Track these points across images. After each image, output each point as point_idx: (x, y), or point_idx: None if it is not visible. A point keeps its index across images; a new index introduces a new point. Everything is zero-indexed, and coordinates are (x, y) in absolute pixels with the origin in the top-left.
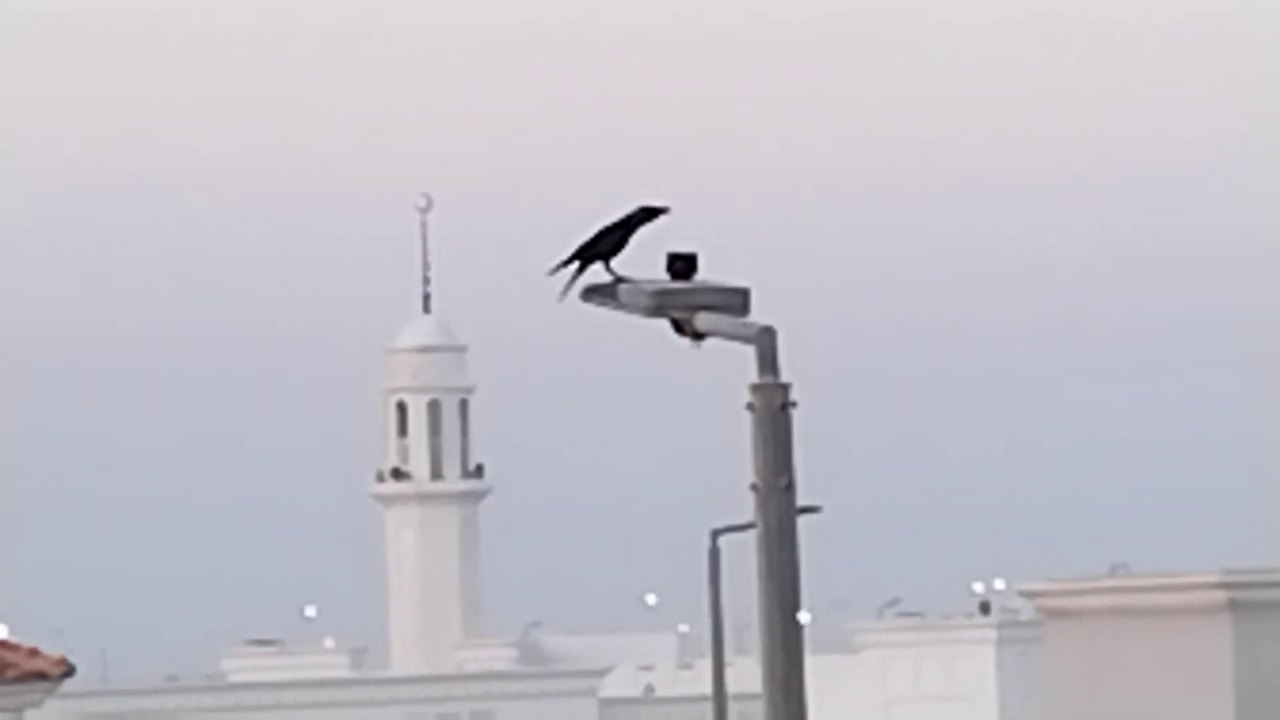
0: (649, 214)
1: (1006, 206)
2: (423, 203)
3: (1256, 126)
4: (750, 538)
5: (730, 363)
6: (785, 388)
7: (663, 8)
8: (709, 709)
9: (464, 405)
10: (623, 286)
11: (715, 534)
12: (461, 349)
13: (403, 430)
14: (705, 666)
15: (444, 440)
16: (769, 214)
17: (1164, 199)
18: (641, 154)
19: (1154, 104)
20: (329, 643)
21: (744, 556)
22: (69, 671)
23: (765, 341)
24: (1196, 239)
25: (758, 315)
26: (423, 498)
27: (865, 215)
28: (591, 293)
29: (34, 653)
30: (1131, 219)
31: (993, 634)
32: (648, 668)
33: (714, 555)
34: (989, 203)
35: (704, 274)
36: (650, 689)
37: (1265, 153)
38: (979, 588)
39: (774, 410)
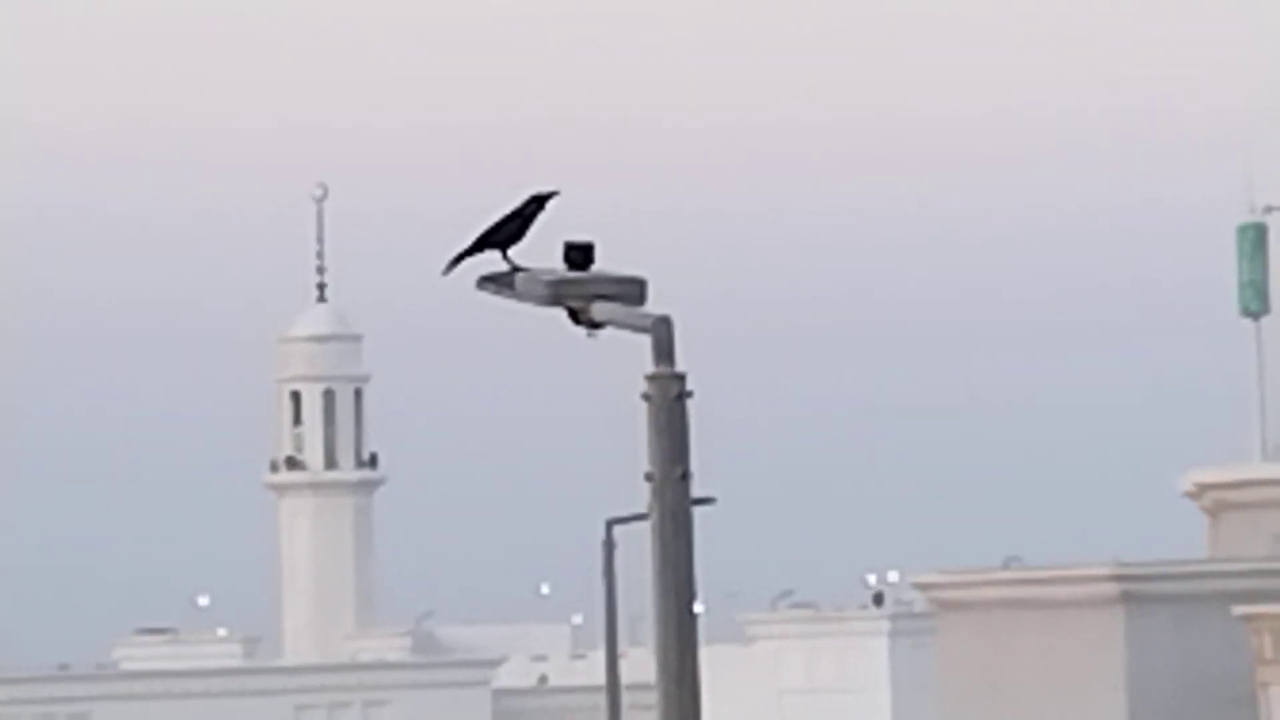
0: (540, 201)
1: (898, 184)
2: (318, 191)
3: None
4: (645, 528)
5: (627, 352)
6: (681, 378)
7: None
8: (603, 699)
9: (358, 394)
10: (519, 275)
11: (610, 524)
12: (356, 338)
13: (297, 419)
14: (599, 657)
15: (338, 429)
16: (666, 199)
17: (1065, 178)
18: (538, 138)
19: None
20: (221, 631)
21: (639, 547)
22: None
23: (661, 331)
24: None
25: (654, 305)
26: (317, 487)
27: (749, 197)
28: (488, 281)
29: None
30: (1030, 195)
31: (886, 625)
32: (541, 658)
33: (608, 546)
34: (880, 181)
35: (600, 265)
36: (544, 679)
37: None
38: (872, 579)
39: (669, 400)
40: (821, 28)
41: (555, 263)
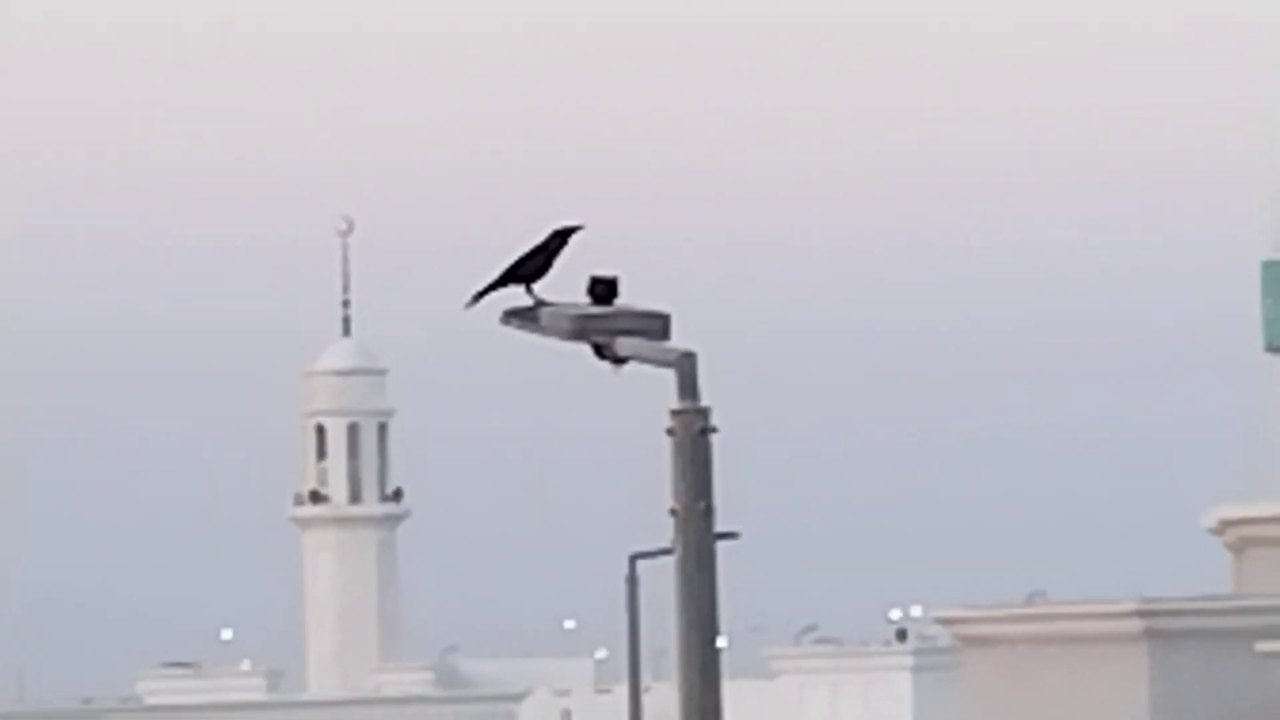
0: (564, 235)
1: (923, 220)
2: (343, 225)
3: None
4: (669, 563)
5: (651, 387)
6: (705, 412)
7: (582, 24)
8: None
9: (383, 429)
10: (544, 310)
11: (634, 559)
12: (381, 372)
13: (321, 453)
14: (623, 691)
15: (362, 464)
16: (691, 232)
17: (1093, 217)
18: (566, 173)
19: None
20: (245, 665)
21: (662, 581)
22: None
23: (685, 366)
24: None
25: (679, 339)
26: (341, 521)
27: (776, 230)
28: (512, 316)
29: None
30: (1056, 231)
31: (909, 661)
32: (565, 692)
33: (632, 580)
34: (905, 216)
35: (625, 298)
36: (567, 714)
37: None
38: (896, 614)
39: (693, 435)
40: (847, 61)
41: (580, 297)
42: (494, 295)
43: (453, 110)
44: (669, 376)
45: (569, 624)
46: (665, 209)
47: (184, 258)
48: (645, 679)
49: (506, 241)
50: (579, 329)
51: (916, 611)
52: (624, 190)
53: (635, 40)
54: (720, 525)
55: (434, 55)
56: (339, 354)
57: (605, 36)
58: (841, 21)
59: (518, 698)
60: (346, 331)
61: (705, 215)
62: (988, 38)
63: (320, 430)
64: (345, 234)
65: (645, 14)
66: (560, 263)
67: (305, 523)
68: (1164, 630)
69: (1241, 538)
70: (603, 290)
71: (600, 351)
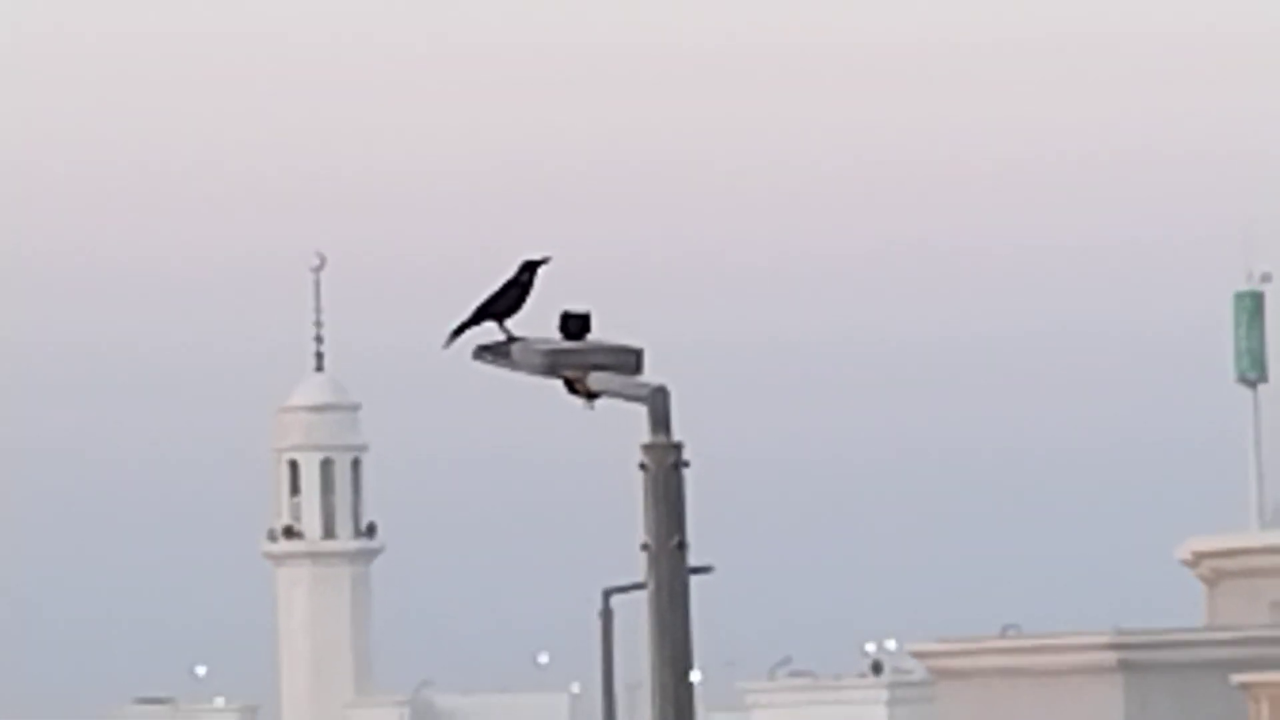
0: (533, 267)
1: (888, 236)
2: (316, 261)
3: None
4: (642, 597)
5: (624, 421)
6: (678, 447)
7: (547, 51)
8: None
9: (356, 464)
10: (515, 345)
11: (607, 594)
12: (355, 407)
13: (295, 489)
14: None
15: (336, 499)
16: (660, 261)
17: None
18: (537, 207)
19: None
20: (219, 701)
21: (637, 615)
22: None
23: (658, 401)
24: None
25: (651, 374)
26: (314, 556)
27: (763, 296)
28: (485, 351)
29: None
30: (1029, 263)
31: (884, 694)
32: None
33: (606, 615)
34: (874, 233)
35: (597, 334)
36: None
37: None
38: (871, 647)
39: (666, 470)
40: (824, 71)
41: (550, 329)
42: (469, 330)
43: (429, 149)
44: (642, 411)
45: (543, 658)
46: (639, 237)
47: (155, 292)
48: (620, 714)
49: (480, 275)
50: (551, 364)
51: (891, 644)
52: (598, 216)
53: (603, 62)
54: (693, 559)
55: (404, 92)
56: (312, 389)
57: (575, 62)
58: (816, 33)
59: None
60: (319, 366)
61: (674, 230)
62: (956, 48)
63: (293, 465)
64: (318, 269)
65: (609, 35)
66: (531, 295)
67: (279, 558)
68: (1138, 662)
69: (1215, 570)
70: (575, 325)
71: (572, 386)
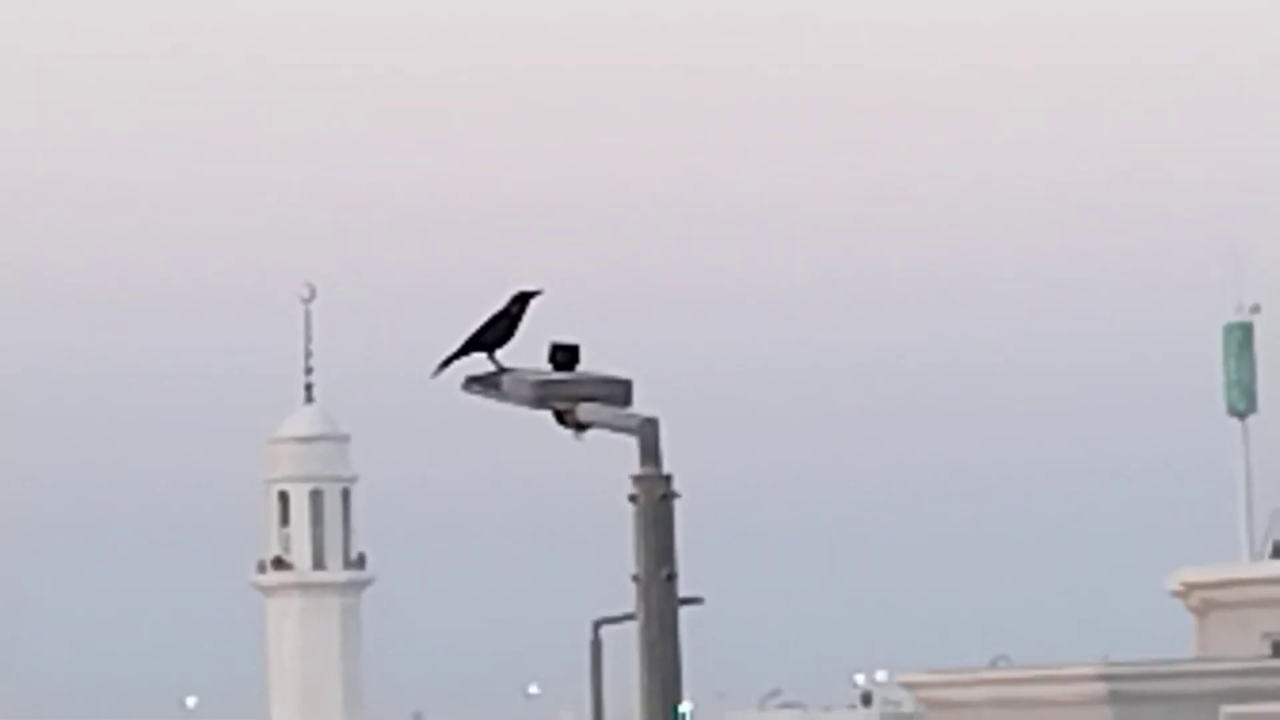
0: (525, 299)
1: (881, 257)
2: (305, 292)
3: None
4: (632, 628)
5: (613, 452)
6: (667, 479)
7: (540, 80)
8: None
9: (346, 495)
10: (505, 377)
11: (597, 625)
12: (344, 438)
13: (285, 519)
14: None
15: (326, 530)
16: (649, 289)
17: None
18: (525, 238)
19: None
20: None
21: (627, 645)
22: None
23: (647, 433)
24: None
25: (640, 406)
26: (304, 587)
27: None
28: (474, 382)
29: None
30: (1022, 294)
31: None
32: None
33: (596, 646)
34: (863, 255)
35: (586, 365)
36: None
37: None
38: (860, 679)
39: (655, 501)
40: (815, 100)
41: (540, 360)
42: (459, 361)
43: (419, 179)
44: (631, 442)
45: (533, 689)
46: (627, 261)
47: (146, 321)
48: None
49: (468, 305)
50: (540, 395)
51: (881, 675)
52: (589, 244)
53: (595, 92)
54: (683, 590)
55: (397, 121)
56: (302, 421)
57: (566, 91)
58: (809, 61)
59: None
60: (309, 398)
61: (663, 259)
62: (951, 78)
63: (283, 496)
64: (308, 301)
65: (600, 64)
66: (522, 326)
67: (269, 589)
68: (1128, 693)
69: (1205, 601)
70: (564, 357)
71: (562, 418)
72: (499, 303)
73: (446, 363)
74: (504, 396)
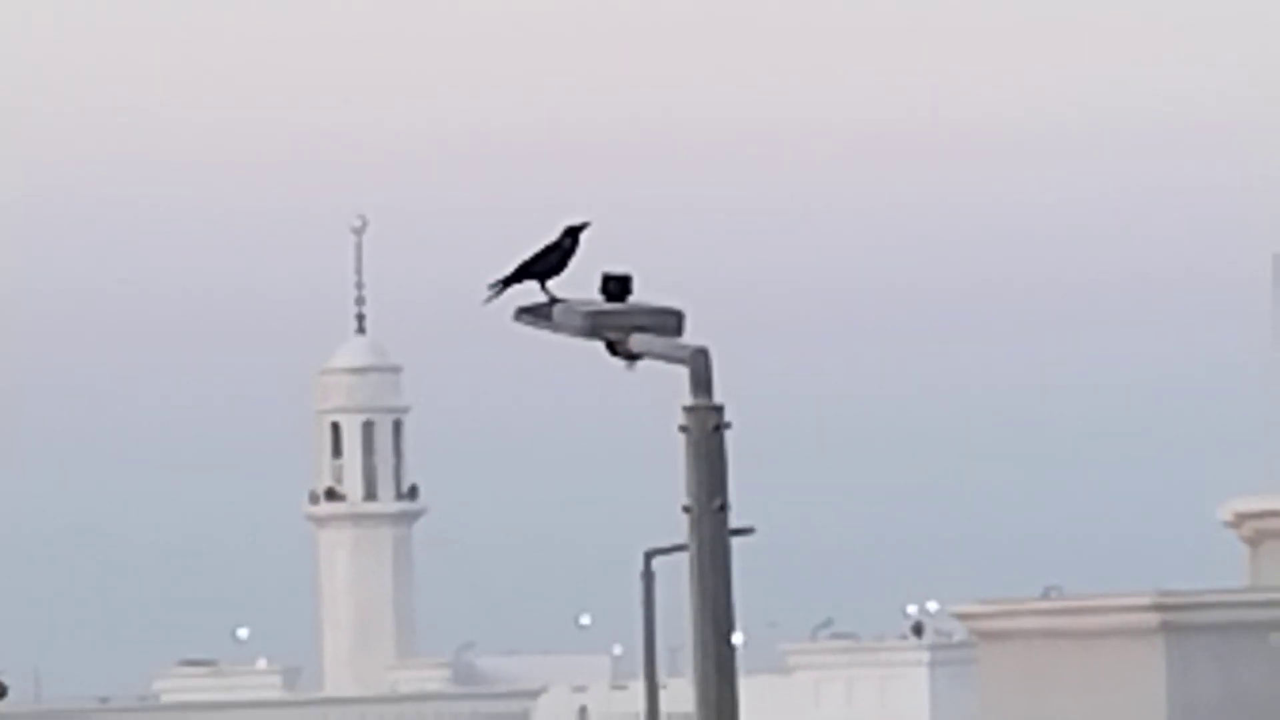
0: (576, 232)
1: (945, 189)
2: (357, 223)
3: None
4: (684, 559)
5: (665, 382)
6: (719, 409)
7: (588, 9)
8: None
9: (398, 426)
10: (556, 307)
11: (649, 555)
12: (396, 369)
13: (337, 451)
14: (639, 688)
15: (378, 461)
16: (697, 228)
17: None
18: (577, 170)
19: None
20: (262, 663)
21: (678, 577)
22: (2, 692)
23: (699, 363)
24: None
25: (692, 336)
26: (356, 519)
27: (784, 216)
28: (525, 313)
29: None
30: (1062, 203)
31: (926, 656)
32: (581, 689)
33: (647, 577)
34: (929, 188)
35: (638, 295)
36: (584, 710)
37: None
38: (912, 609)
39: (707, 432)
40: (835, 24)
41: (592, 291)
42: (508, 293)
43: (470, 111)
44: (683, 373)
45: (585, 620)
46: (674, 205)
47: (197, 254)
48: (661, 675)
49: (519, 236)
50: (592, 326)
51: (933, 606)
52: (640, 172)
53: (643, 19)
54: (735, 521)
55: (449, 57)
56: (353, 352)
57: (614, 18)
58: None
59: (534, 694)
60: (361, 329)
61: (718, 187)
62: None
63: (335, 428)
64: (359, 231)
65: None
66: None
67: (321, 520)
68: (1180, 624)
69: (1258, 531)
70: (615, 287)
71: (613, 348)
72: (549, 232)
73: (499, 286)
74: (555, 327)
